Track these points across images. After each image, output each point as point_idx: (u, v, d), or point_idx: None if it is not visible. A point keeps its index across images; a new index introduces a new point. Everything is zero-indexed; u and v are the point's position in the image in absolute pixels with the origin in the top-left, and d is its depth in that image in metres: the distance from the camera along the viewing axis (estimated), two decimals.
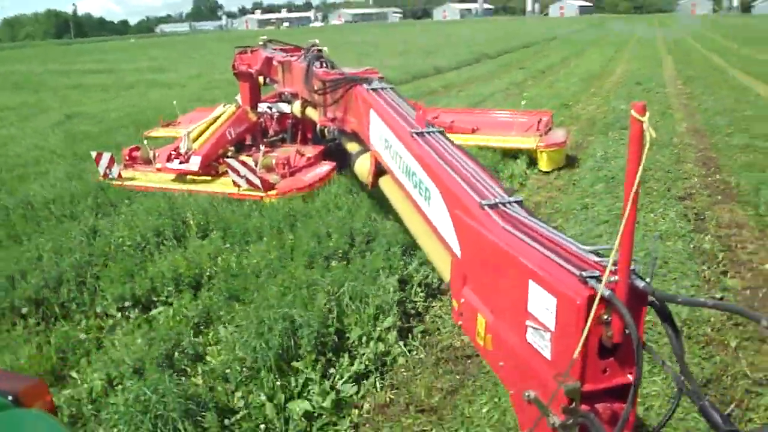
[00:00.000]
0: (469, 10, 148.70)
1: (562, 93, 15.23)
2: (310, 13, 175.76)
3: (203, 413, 3.30)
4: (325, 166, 7.38)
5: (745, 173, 7.63)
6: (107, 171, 7.68)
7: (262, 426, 3.35)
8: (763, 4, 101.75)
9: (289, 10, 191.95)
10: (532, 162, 8.49)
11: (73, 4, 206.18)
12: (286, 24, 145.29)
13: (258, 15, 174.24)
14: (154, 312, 4.67)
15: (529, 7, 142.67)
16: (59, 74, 28.67)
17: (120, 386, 3.56)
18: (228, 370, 3.71)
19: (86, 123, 13.45)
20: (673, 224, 6.01)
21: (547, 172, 8.32)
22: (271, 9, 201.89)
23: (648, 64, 21.58)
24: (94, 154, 7.82)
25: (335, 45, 36.12)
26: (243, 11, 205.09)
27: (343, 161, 6.71)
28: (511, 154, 8.53)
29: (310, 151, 7.76)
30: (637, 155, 1.53)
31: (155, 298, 4.83)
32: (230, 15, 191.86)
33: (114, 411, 3.24)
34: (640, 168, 1.52)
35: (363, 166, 4.81)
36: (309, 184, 6.93)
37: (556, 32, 48.29)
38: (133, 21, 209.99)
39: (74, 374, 3.93)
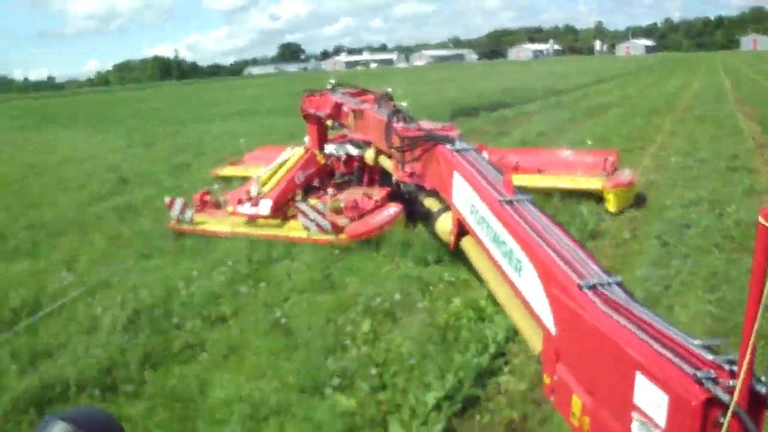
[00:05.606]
0: (540, 51, 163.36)
1: (669, 92, 29.02)
2: (393, 55, 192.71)
3: None
4: (393, 208, 7.39)
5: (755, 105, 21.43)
6: (180, 216, 7.81)
7: None
8: None
9: (369, 52, 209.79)
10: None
11: (175, 50, 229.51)
12: (373, 65, 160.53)
13: (344, 57, 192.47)
14: None
15: (597, 47, 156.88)
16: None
17: None
18: None
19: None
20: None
21: (616, 214, 8.08)
22: (351, 52, 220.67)
23: (713, 82, 35.14)
24: (167, 200, 7.85)
25: (450, 79, 46.47)
26: (325, 54, 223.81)
27: (409, 203, 7.20)
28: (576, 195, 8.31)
29: (377, 193, 7.82)
30: (764, 261, 1.47)
31: None
32: (315, 58, 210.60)
33: None
34: None
35: (444, 226, 4.89)
36: (378, 226, 7.01)
37: (636, 66, 62.07)
38: (207, 65, 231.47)
39: None
